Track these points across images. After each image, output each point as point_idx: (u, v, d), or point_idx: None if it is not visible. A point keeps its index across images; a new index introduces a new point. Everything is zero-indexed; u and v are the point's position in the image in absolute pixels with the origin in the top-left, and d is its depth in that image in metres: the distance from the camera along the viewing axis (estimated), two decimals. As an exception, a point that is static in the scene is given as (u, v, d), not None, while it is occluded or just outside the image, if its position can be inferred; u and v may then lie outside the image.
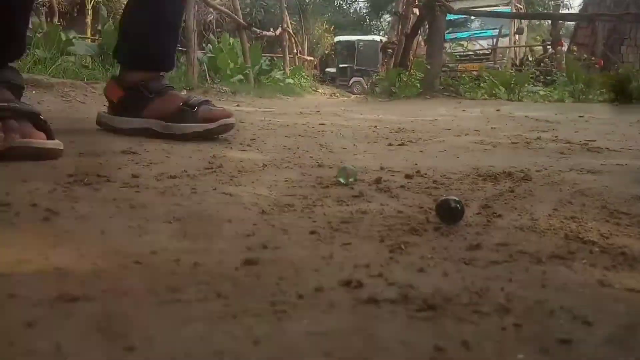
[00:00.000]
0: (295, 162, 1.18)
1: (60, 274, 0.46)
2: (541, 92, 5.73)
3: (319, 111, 3.34)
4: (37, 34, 4.94)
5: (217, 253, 0.54)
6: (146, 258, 0.51)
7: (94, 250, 0.52)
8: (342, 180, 0.93)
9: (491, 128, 2.28)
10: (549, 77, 7.33)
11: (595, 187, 0.92)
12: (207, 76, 5.68)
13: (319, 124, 2.24)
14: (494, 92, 5.56)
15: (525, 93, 5.55)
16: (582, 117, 2.93)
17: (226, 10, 7.68)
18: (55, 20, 8.91)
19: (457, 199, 0.69)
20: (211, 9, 11.16)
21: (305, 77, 10.73)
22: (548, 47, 9.54)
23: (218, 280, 0.46)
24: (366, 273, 0.49)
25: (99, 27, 8.57)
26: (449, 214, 0.68)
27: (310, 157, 1.28)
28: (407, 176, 1.01)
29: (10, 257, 0.49)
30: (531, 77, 6.31)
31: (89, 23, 11.76)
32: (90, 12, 12.02)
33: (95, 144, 1.29)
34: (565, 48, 9.53)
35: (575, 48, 9.57)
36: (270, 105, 4.21)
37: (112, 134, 1.50)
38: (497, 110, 3.59)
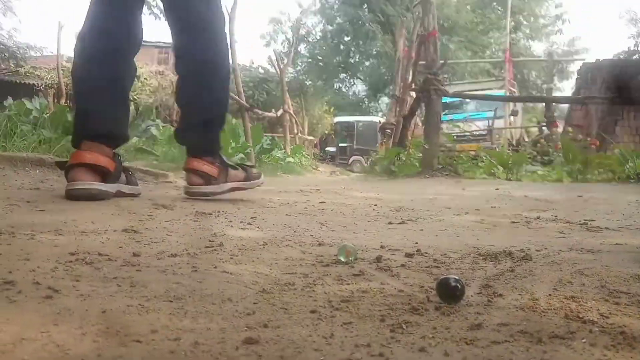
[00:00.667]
0: (295, 240, 1.19)
1: (62, 352, 0.46)
2: (539, 172, 5.82)
3: (319, 189, 3.38)
4: (44, 115, 5.11)
5: (218, 332, 0.54)
6: (147, 337, 0.51)
7: (95, 329, 0.52)
8: (342, 259, 0.94)
9: (491, 207, 2.31)
10: (546, 157, 7.48)
11: (594, 266, 0.92)
12: (210, 155, 5.79)
13: (319, 202, 2.26)
14: (492, 171, 5.65)
15: (524, 173, 5.64)
16: (581, 196, 2.96)
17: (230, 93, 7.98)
18: (63, 101, 9.22)
19: (457, 278, 0.69)
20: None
21: (306, 155, 10.94)
22: (543, 128, 9.82)
23: (219, 359, 0.46)
24: (367, 353, 0.49)
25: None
26: (449, 293, 0.68)
27: (311, 235, 1.29)
28: (408, 255, 1.02)
29: (12, 335, 0.49)
30: (529, 157, 6.45)
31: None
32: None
33: (97, 222, 1.30)
34: (560, 129, 9.81)
35: (570, 129, 9.83)
36: (271, 184, 4.27)
37: (114, 214, 1.52)
38: (496, 189, 3.63)
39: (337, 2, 22.82)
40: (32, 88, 13.90)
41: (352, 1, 21.66)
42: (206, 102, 2.12)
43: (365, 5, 21.73)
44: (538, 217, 1.85)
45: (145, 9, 8.05)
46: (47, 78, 15.67)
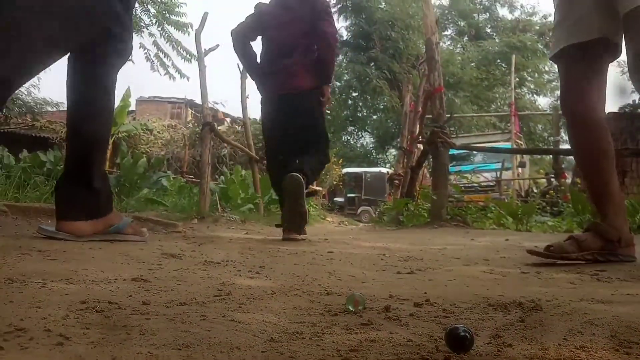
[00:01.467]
0: (303, 289, 1.18)
1: (71, 399, 0.46)
2: (549, 222, 5.78)
3: (327, 239, 3.38)
4: (57, 167, 5.21)
5: (226, 380, 0.54)
6: (156, 384, 0.51)
7: (104, 376, 0.53)
8: (351, 308, 0.94)
9: (500, 257, 2.29)
10: (555, 208, 7.45)
11: (605, 317, 0.91)
12: (218, 205, 5.83)
13: (328, 252, 2.26)
14: (501, 222, 5.62)
15: (534, 223, 5.60)
16: (591, 247, 2.93)
17: (239, 145, 8.11)
18: (78, 153, 9.39)
19: (466, 327, 0.69)
20: (225, 144, 11.79)
21: (314, 206, 10.96)
22: (552, 179, 9.82)
23: (226, 407, 0.46)
24: (375, 402, 0.49)
25: (118, 160, 9.01)
26: (458, 342, 0.68)
27: (319, 284, 1.29)
28: (417, 304, 1.01)
29: (23, 381, 0.49)
30: (538, 208, 6.42)
31: (109, 157, 12.39)
32: (110, 147, 12.71)
33: (107, 271, 1.31)
34: (569, 180, 9.80)
35: (578, 180, 9.82)
36: (279, 233, 4.27)
37: (123, 263, 1.53)
38: (506, 239, 3.60)
39: (344, 60, 23.47)
40: (47, 141, 14.22)
41: (360, 59, 22.27)
42: None
43: (373, 63, 22.31)
44: (549, 268, 1.83)
45: (161, 70, 8.18)
46: (62, 132, 16.05)
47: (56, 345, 0.63)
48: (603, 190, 1.86)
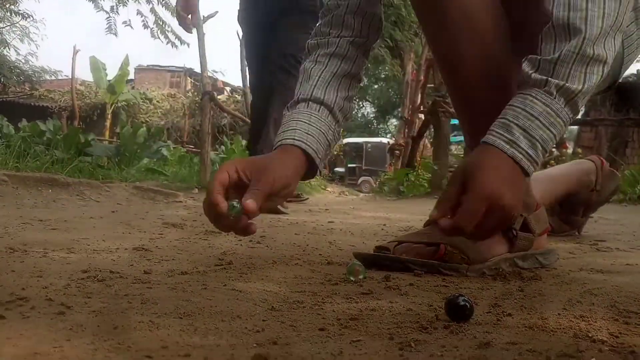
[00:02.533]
0: (304, 259, 1.19)
1: (73, 367, 0.47)
2: (548, 193, 5.79)
3: (327, 209, 3.39)
4: (57, 136, 5.19)
5: (227, 348, 0.54)
6: (157, 352, 0.52)
7: (106, 344, 0.53)
8: (351, 278, 0.94)
9: (499, 227, 2.30)
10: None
11: (604, 286, 0.92)
12: (219, 175, 5.83)
13: (328, 222, 2.26)
14: (501, 192, 5.62)
15: (533, 193, 5.61)
16: (592, 217, 2.94)
17: (240, 114, 8.06)
18: (76, 123, 9.39)
19: (466, 297, 0.69)
20: (225, 114, 11.73)
21: (316, 177, 10.96)
22: (553, 149, 9.79)
23: (228, 375, 0.46)
24: (375, 370, 0.49)
25: (118, 130, 8.99)
26: (458, 311, 0.68)
27: (320, 254, 1.29)
28: (416, 274, 1.02)
29: (26, 350, 0.50)
30: (537, 178, 6.41)
31: (108, 126, 12.34)
32: (110, 116, 12.65)
33: (108, 241, 1.32)
34: (570, 150, 9.77)
35: (580, 150, 9.80)
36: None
37: (125, 232, 1.54)
38: (505, 210, 3.61)
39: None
40: (46, 110, 14.16)
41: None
42: None
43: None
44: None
45: (162, 38, 8.14)
46: (60, 101, 15.96)
47: (57, 314, 0.63)
48: None
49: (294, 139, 1.06)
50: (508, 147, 0.87)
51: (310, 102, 1.12)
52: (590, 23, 0.86)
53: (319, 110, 1.12)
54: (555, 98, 0.87)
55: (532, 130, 0.87)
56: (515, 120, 0.87)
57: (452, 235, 0.93)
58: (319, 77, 1.14)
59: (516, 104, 0.89)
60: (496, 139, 0.88)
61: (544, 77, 0.87)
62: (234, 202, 0.93)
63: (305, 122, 1.09)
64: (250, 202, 0.93)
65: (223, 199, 0.94)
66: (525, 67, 0.90)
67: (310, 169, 1.11)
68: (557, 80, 0.86)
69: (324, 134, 1.11)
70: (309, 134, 1.08)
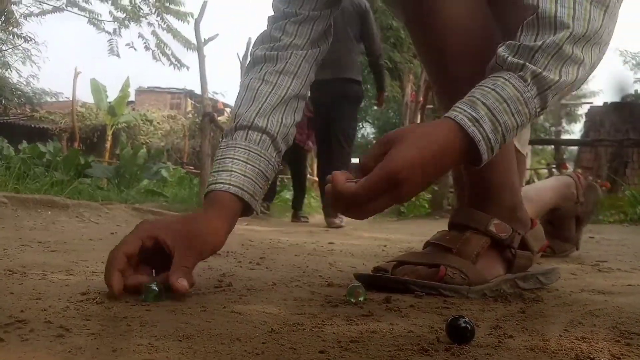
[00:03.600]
0: (304, 281, 1.19)
1: (71, 391, 0.46)
2: (549, 213, 5.78)
3: (327, 230, 3.38)
4: (57, 158, 5.21)
5: (227, 372, 0.54)
6: (156, 376, 0.51)
7: (105, 368, 0.53)
8: (351, 300, 0.94)
9: (500, 248, 2.29)
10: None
11: (606, 307, 0.91)
12: (219, 197, 5.83)
13: (328, 243, 2.26)
14: (501, 212, 5.61)
15: (533, 214, 5.60)
16: (593, 237, 2.94)
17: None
18: (76, 144, 9.43)
19: (467, 318, 0.69)
20: (226, 134, 11.77)
21: (315, 197, 10.96)
22: (553, 169, 9.82)
23: (227, 399, 0.46)
24: (376, 393, 0.49)
25: (118, 152, 9.03)
26: (459, 333, 0.68)
27: (320, 275, 1.29)
28: (417, 296, 1.01)
29: (23, 374, 0.49)
30: (537, 198, 6.41)
31: (108, 147, 12.37)
32: (110, 137, 12.69)
33: (108, 262, 1.31)
34: (570, 171, 9.79)
35: (580, 171, 9.82)
36: (280, 224, 4.28)
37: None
38: (505, 230, 3.60)
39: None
40: (46, 132, 14.23)
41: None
42: None
43: (373, 51, 22.27)
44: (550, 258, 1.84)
45: (164, 60, 8.28)
46: (61, 122, 16.05)
47: (57, 336, 0.63)
48: None
49: (230, 185, 0.99)
50: (470, 124, 0.78)
51: (250, 131, 1.04)
52: (577, 21, 0.83)
53: (258, 142, 1.04)
54: (528, 85, 0.80)
55: (498, 113, 0.79)
56: (483, 98, 0.79)
57: (336, 204, 0.83)
58: (265, 101, 1.05)
59: (486, 84, 0.81)
60: (458, 114, 0.79)
61: (521, 61, 0.81)
62: (152, 285, 0.87)
63: (242, 161, 1.01)
64: (180, 283, 0.86)
65: (120, 280, 0.87)
66: (502, 51, 0.84)
67: (245, 211, 1.04)
68: (534, 67, 0.80)
69: (262, 172, 1.04)
70: (246, 177, 1.01)
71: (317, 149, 4.67)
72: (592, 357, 0.61)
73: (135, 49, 7.87)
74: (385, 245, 2.28)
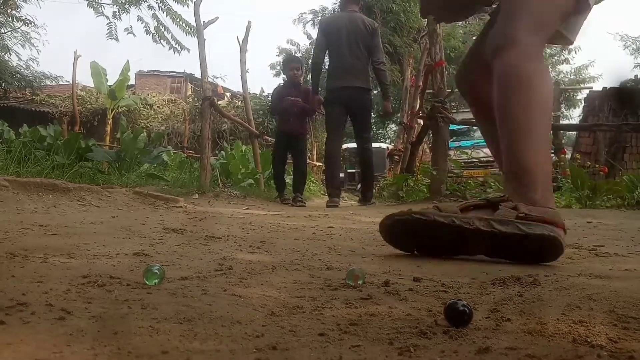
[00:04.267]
0: (304, 264, 1.19)
1: (74, 372, 0.47)
2: (548, 198, 5.77)
3: (327, 214, 3.39)
4: (58, 141, 5.19)
5: (227, 354, 0.54)
6: (157, 358, 0.52)
7: (107, 350, 0.53)
8: (350, 283, 0.94)
9: (499, 233, 2.29)
10: (554, 184, 7.44)
11: (603, 292, 0.92)
12: (219, 180, 5.84)
13: (328, 227, 2.26)
14: (500, 197, 5.62)
15: (532, 198, 5.60)
16: (590, 222, 2.94)
17: (240, 120, 8.08)
18: (77, 128, 9.40)
19: (465, 302, 0.70)
20: (226, 119, 11.74)
21: (314, 181, 10.97)
22: (551, 154, 9.80)
23: (228, 380, 0.47)
24: (375, 375, 0.49)
25: (118, 135, 9.00)
26: (457, 317, 0.68)
27: (319, 259, 1.29)
28: (416, 279, 1.02)
29: (26, 355, 0.50)
30: (537, 183, 6.40)
31: (109, 131, 12.32)
32: (110, 121, 12.63)
33: (108, 246, 1.32)
34: (568, 156, 9.78)
35: (578, 156, 9.81)
36: (280, 209, 4.28)
37: (125, 238, 1.54)
38: (505, 215, 3.61)
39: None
40: (47, 116, 14.17)
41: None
42: None
43: (374, 36, 22.09)
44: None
45: (164, 43, 8.26)
46: (61, 106, 15.99)
47: (58, 319, 0.63)
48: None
49: None
50: None
51: None
52: None
53: None
54: None
55: None
56: None
57: None
58: None
59: None
60: None
61: None
62: (154, 268, 0.89)
63: None
64: None
65: None
66: None
67: None
68: None
69: None
70: None
71: (326, 139, 5.43)
72: (589, 340, 0.62)
73: (134, 35, 7.80)
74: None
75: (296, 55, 23.80)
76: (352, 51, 4.76)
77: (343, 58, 4.77)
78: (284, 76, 5.89)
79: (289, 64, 5.64)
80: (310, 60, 5.18)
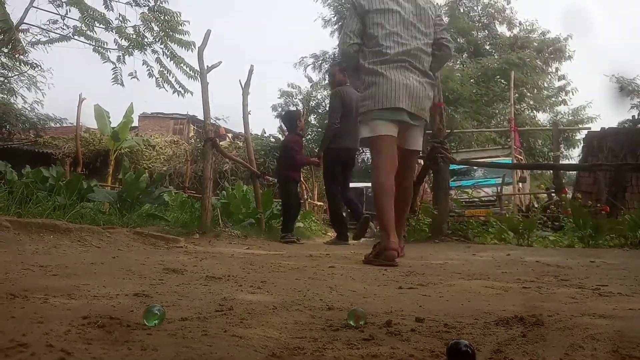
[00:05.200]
0: (305, 304, 1.18)
1: (74, 413, 0.47)
2: (551, 238, 5.75)
3: (328, 254, 3.36)
4: (60, 182, 5.22)
5: (228, 394, 0.54)
6: (158, 398, 0.51)
7: (106, 390, 0.53)
8: (352, 323, 0.94)
9: (502, 272, 2.28)
10: (556, 223, 7.41)
11: (607, 331, 0.91)
12: (220, 220, 5.83)
13: (329, 267, 2.25)
14: (503, 236, 5.59)
15: (535, 238, 5.57)
16: (593, 262, 2.92)
17: (241, 160, 8.13)
18: (79, 169, 9.46)
19: (468, 342, 0.69)
20: (227, 160, 11.81)
21: (315, 221, 10.94)
22: (552, 194, 9.81)
23: (228, 421, 0.46)
24: (377, 416, 0.49)
25: (120, 176, 9.04)
26: (460, 357, 0.68)
27: (320, 299, 1.28)
28: (418, 319, 1.01)
29: (26, 396, 0.50)
30: (539, 223, 6.39)
31: (111, 172, 12.39)
32: (112, 162, 12.73)
33: (108, 287, 1.32)
34: (569, 195, 9.78)
35: (579, 195, 9.81)
36: (281, 249, 4.26)
37: (125, 278, 1.53)
38: (508, 254, 3.59)
39: (345, 77, 23.66)
40: (49, 157, 14.29)
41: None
42: None
43: (374, 79, 22.53)
44: (550, 283, 1.83)
45: (167, 87, 8.41)
46: (65, 147, 16.16)
47: (58, 360, 0.63)
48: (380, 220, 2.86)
49: None
50: None
51: None
52: None
53: None
54: None
55: None
56: None
57: None
58: None
59: None
60: None
61: None
62: (154, 309, 0.89)
63: None
64: None
65: None
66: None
67: None
68: None
69: None
70: None
71: (328, 187, 6.26)
72: (592, 380, 0.61)
73: (138, 79, 7.94)
74: (386, 269, 2.27)
75: (297, 97, 24.17)
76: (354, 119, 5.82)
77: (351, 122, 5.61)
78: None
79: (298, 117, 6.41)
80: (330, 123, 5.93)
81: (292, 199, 6.14)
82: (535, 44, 23.62)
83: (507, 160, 11.47)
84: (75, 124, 10.69)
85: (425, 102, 3.02)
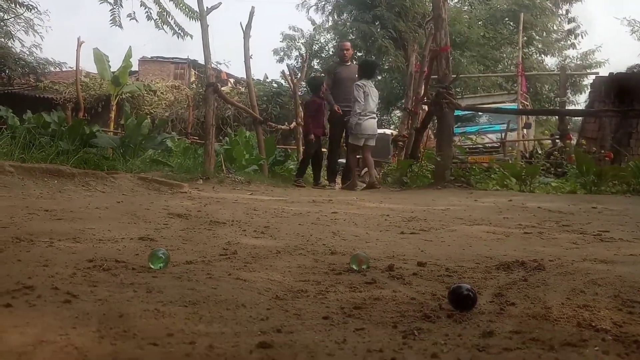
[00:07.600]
0: (308, 249, 1.19)
1: (81, 355, 0.47)
2: (553, 184, 5.75)
3: (331, 200, 3.38)
4: (62, 127, 5.19)
5: (232, 336, 0.55)
6: (163, 340, 0.52)
7: (112, 332, 0.54)
8: (354, 267, 0.94)
9: (503, 218, 2.29)
10: (559, 169, 7.41)
11: (608, 276, 0.92)
12: (223, 166, 5.84)
13: (332, 212, 2.26)
14: (505, 183, 5.60)
15: (537, 184, 5.58)
16: (595, 208, 2.93)
17: (243, 106, 8.05)
18: (81, 114, 9.39)
19: (469, 286, 0.70)
20: (229, 105, 11.70)
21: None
22: (557, 140, 9.74)
23: (233, 362, 0.47)
24: (379, 358, 0.50)
25: (122, 122, 8.98)
26: (461, 301, 0.68)
27: (323, 244, 1.30)
28: (420, 264, 1.02)
29: (32, 337, 0.50)
30: (542, 169, 6.38)
31: (113, 118, 12.31)
32: (114, 107, 12.63)
33: (114, 231, 1.33)
34: (574, 142, 9.71)
35: (584, 141, 9.75)
36: (284, 194, 4.28)
37: (129, 222, 1.54)
38: (509, 200, 3.60)
39: (349, 19, 22.89)
40: (50, 102, 14.16)
41: (365, 18, 21.76)
42: None
43: (378, 22, 21.81)
44: (551, 228, 1.84)
45: (167, 29, 8.24)
46: (65, 92, 15.98)
47: (64, 302, 0.64)
48: None
49: None
50: None
51: None
52: None
53: None
54: None
55: None
56: None
57: None
58: None
59: None
60: None
61: None
62: (159, 252, 0.89)
63: None
64: None
65: None
66: None
67: None
68: None
69: None
70: None
71: (331, 142, 6.76)
72: (593, 324, 0.61)
73: (137, 21, 7.72)
74: (388, 215, 2.28)
75: (299, 40, 23.62)
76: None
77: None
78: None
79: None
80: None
81: (310, 149, 6.63)
82: (546, -17, 22.76)
83: (513, 105, 11.31)
84: (75, 68, 10.52)
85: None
